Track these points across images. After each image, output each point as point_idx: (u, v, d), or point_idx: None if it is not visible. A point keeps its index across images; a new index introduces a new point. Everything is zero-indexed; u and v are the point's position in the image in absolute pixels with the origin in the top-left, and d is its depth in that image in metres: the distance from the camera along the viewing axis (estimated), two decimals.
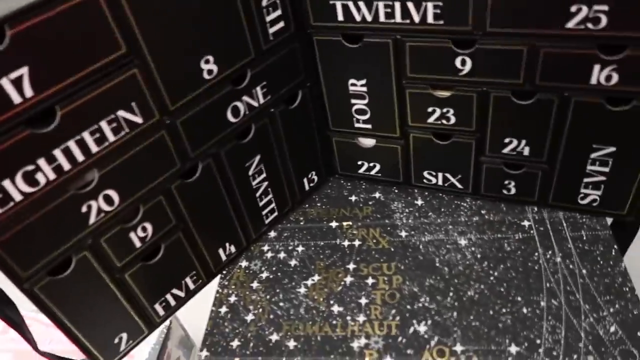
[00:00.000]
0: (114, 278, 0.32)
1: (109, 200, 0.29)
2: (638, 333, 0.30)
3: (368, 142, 0.41)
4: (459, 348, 0.32)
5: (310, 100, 0.39)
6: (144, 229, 0.32)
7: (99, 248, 0.30)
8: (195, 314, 0.43)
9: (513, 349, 0.31)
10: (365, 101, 0.38)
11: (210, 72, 0.31)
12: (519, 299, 0.33)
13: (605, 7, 0.26)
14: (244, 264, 0.39)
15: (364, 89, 0.37)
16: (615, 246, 0.35)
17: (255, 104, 0.35)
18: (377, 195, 0.43)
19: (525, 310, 0.33)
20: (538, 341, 0.31)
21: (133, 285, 0.33)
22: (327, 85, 0.38)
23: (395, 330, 0.33)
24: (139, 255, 0.33)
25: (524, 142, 0.35)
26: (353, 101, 0.38)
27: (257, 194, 0.39)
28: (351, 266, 0.38)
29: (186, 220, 0.34)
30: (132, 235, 0.32)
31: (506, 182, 0.38)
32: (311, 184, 0.43)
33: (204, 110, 0.32)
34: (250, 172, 0.37)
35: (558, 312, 0.32)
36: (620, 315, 0.31)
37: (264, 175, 0.38)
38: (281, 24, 0.34)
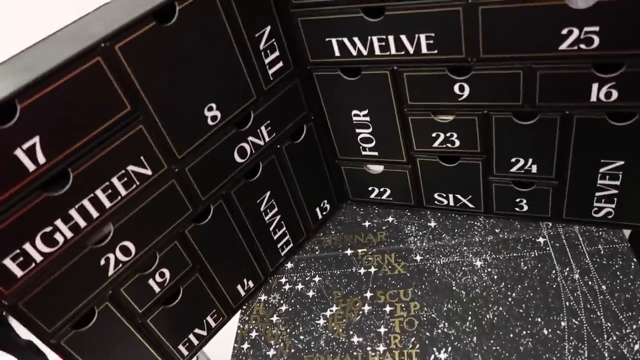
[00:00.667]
0: (136, 324, 0.32)
1: (125, 251, 0.30)
2: None
3: (376, 168, 0.41)
4: None
5: (316, 132, 0.39)
6: (162, 275, 0.33)
7: (120, 297, 0.31)
8: (222, 349, 0.44)
9: None
10: (370, 130, 0.38)
11: (214, 118, 0.32)
12: (539, 319, 0.33)
13: (596, 28, 0.26)
14: (263, 297, 0.40)
15: (367, 118, 0.37)
16: (635, 259, 0.34)
17: (260, 142, 0.36)
18: (390, 219, 0.43)
19: (545, 332, 0.32)
20: None
21: (155, 329, 0.34)
22: (331, 117, 0.39)
23: (415, 359, 0.33)
24: (159, 300, 0.33)
25: (530, 160, 0.34)
26: (358, 130, 0.39)
27: (271, 228, 0.39)
28: (368, 294, 0.38)
29: (202, 261, 0.35)
30: (151, 281, 0.33)
31: (517, 199, 0.37)
32: (324, 213, 0.44)
33: (210, 155, 0.33)
34: (262, 208, 0.38)
35: (579, 332, 0.32)
36: None
37: (275, 209, 0.39)
38: (280, 64, 0.35)
